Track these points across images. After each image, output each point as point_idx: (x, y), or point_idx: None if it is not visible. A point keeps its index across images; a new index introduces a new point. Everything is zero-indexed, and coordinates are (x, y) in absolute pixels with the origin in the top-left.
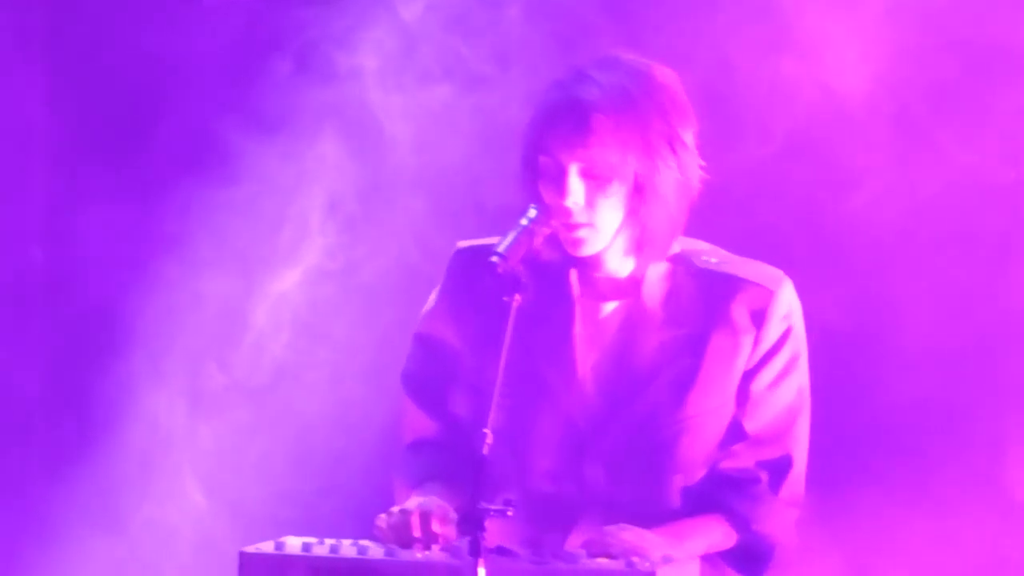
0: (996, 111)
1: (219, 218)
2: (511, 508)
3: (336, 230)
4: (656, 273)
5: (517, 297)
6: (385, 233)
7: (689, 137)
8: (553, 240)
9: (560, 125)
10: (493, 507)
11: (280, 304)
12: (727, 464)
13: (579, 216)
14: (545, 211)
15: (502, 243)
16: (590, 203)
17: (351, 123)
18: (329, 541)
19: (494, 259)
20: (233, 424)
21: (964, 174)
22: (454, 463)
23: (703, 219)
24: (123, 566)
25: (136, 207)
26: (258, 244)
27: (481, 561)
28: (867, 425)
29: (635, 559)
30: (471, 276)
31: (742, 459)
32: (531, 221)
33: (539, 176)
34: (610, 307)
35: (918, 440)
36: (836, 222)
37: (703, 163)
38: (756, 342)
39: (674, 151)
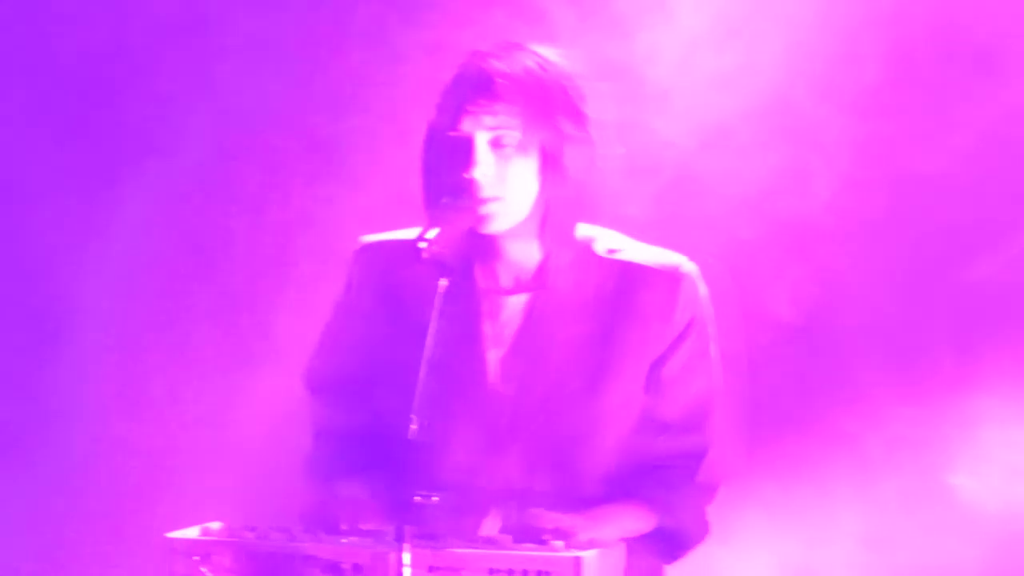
0: (950, 105)
1: (171, 209)
2: (436, 495)
3: (289, 220)
4: (562, 263)
5: (443, 282)
6: (335, 224)
7: (592, 113)
8: (465, 234)
9: (465, 97)
10: (419, 493)
11: (231, 295)
12: (642, 451)
13: (489, 189)
14: (467, 195)
15: (430, 230)
16: (500, 175)
17: (310, 110)
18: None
19: (422, 244)
20: (181, 419)
21: (916, 168)
22: (363, 456)
23: (653, 212)
24: (62, 560)
25: (87, 197)
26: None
27: (407, 546)
28: (809, 421)
29: (558, 543)
30: (376, 270)
31: (657, 446)
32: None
33: (447, 155)
34: (517, 300)
35: (860, 438)
36: (787, 217)
37: (614, 148)
38: (665, 329)
39: (577, 123)
